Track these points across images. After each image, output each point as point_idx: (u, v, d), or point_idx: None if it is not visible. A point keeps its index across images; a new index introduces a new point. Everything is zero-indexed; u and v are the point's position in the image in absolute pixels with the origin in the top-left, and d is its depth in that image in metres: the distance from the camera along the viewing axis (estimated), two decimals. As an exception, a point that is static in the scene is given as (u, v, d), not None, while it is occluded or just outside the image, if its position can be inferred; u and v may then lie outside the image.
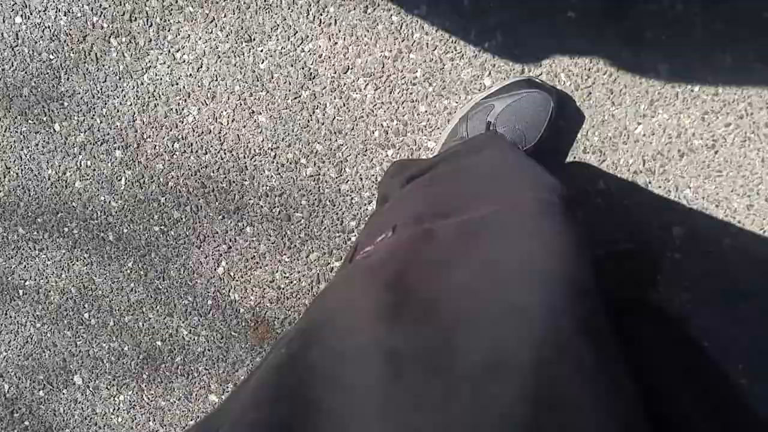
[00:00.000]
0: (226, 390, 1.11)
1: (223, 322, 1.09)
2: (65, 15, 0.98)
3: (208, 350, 1.10)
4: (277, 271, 1.05)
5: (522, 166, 0.69)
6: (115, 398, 1.15)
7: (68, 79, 1.01)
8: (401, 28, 0.93)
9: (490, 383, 0.38)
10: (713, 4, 0.86)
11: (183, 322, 1.10)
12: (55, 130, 1.04)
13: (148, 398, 1.14)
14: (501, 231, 0.53)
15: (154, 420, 1.15)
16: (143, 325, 1.11)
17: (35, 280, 1.12)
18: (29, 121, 1.04)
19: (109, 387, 1.15)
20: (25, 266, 1.12)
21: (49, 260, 1.11)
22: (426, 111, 0.96)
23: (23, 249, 1.11)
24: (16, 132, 1.05)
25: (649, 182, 0.95)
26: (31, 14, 0.99)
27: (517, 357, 0.38)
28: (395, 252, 0.57)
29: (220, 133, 1.01)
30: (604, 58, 0.91)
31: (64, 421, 1.18)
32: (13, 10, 0.99)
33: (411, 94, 0.95)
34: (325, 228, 1.02)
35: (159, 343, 1.12)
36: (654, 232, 0.96)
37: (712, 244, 0.95)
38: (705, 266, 0.96)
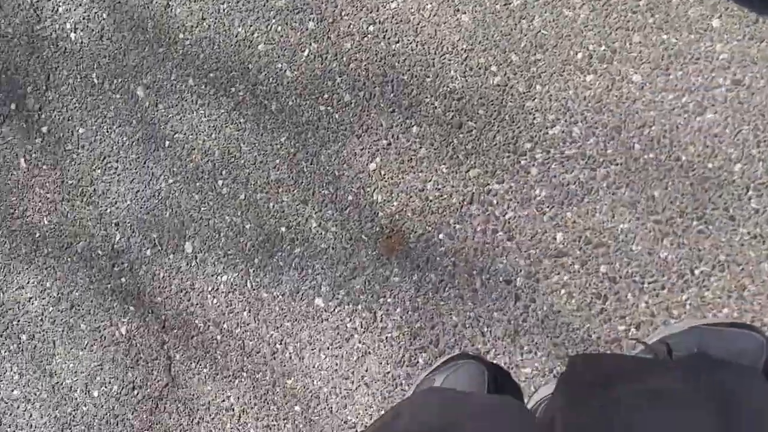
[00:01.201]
0: (336, 297, 1.10)
1: (357, 222, 1.09)
2: None
3: (332, 248, 1.10)
4: (430, 180, 1.06)
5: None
6: (219, 277, 1.16)
7: (289, -54, 1.10)
8: (637, -46, 0.96)
9: None
10: None
11: (315, 213, 1.11)
12: (259, -9, 1.12)
13: (252, 285, 1.14)
14: None
15: (250, 311, 1.15)
16: (274, 206, 1.13)
17: (185, 134, 1.18)
18: (238, -22, 1.13)
19: (216, 263, 1.17)
20: (181, 118, 1.19)
21: (205, 117, 1.17)
22: (640, 42, 0.97)
23: (186, 100, 1.18)
24: (223, -14, 1.14)
25: None
26: None
27: None
28: None
29: (418, 24, 1.05)
30: None
31: (160, 287, 1.20)
32: None
33: (628, 21, 0.97)
34: (495, 144, 1.03)
35: (283, 229, 1.13)
36: None
37: None
38: None
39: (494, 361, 1.05)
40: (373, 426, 0.84)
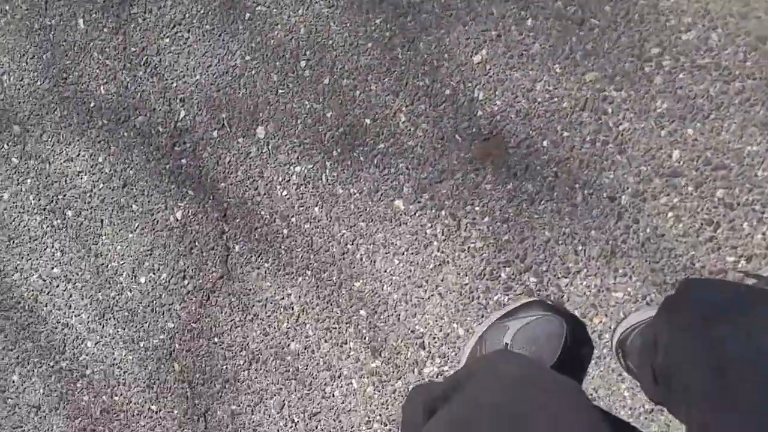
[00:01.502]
0: (418, 200, 1.02)
1: (452, 119, 1.01)
2: None
3: (420, 147, 1.03)
4: (540, 81, 0.98)
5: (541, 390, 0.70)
6: (291, 167, 1.09)
7: None
8: None
9: None
10: None
11: (406, 106, 1.03)
12: None
13: (327, 180, 1.07)
14: None
15: (322, 207, 1.08)
16: (360, 95, 1.05)
17: (269, 7, 1.09)
18: None
19: (290, 152, 1.09)
20: (265, -11, 1.08)
21: (293, -9, 1.07)
22: (805, -56, 0.86)
23: (273, -30, 1.08)
24: None
25: None
26: None
27: None
28: None
29: None
30: None
31: (224, 172, 1.12)
32: None
33: None
34: (618, 47, 0.94)
35: (368, 121, 1.05)
36: None
37: None
38: None
39: (569, 310, 1.00)
40: (438, 388, 0.79)
